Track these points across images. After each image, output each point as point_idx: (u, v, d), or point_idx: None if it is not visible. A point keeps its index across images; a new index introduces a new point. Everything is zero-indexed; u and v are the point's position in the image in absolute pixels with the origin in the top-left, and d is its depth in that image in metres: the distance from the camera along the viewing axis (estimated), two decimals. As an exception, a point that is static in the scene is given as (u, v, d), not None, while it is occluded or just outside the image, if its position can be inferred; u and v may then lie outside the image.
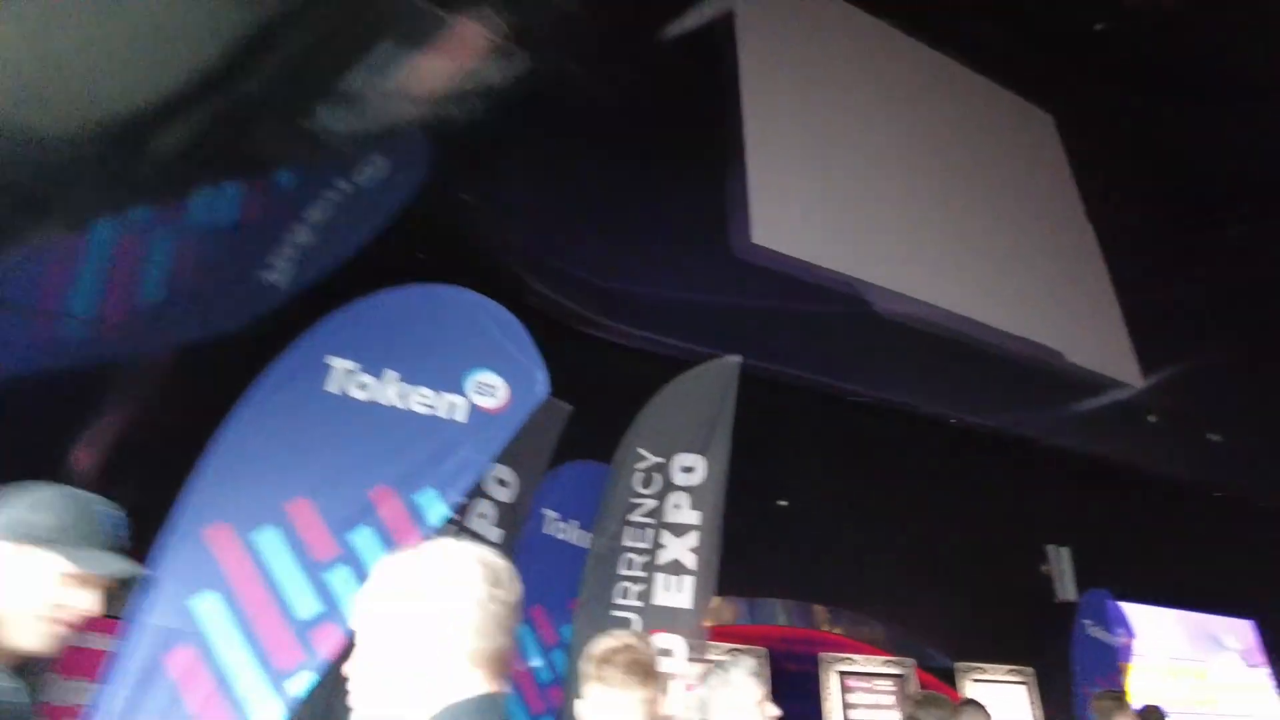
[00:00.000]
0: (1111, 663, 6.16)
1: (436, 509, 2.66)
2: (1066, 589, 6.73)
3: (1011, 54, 9.79)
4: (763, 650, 5.13)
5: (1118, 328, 8.46)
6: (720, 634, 5.12)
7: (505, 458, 4.06)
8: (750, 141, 6.94)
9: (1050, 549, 6.83)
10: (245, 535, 2.49)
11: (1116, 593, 6.50)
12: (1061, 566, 6.78)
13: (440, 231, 4.92)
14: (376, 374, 2.82)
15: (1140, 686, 6.18)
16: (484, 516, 3.86)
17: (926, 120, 8.44)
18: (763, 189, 6.77)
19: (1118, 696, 4.13)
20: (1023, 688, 6.19)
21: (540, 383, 2.90)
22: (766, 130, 7.11)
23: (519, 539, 3.97)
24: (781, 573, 5.65)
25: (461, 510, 3.79)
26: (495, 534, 3.86)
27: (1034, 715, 6.12)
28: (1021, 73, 9.69)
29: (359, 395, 2.78)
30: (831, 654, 5.34)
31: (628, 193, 6.17)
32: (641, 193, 6.24)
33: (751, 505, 5.87)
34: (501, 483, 3.99)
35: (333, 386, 2.77)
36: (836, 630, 5.65)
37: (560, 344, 5.72)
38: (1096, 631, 6.29)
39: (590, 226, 5.97)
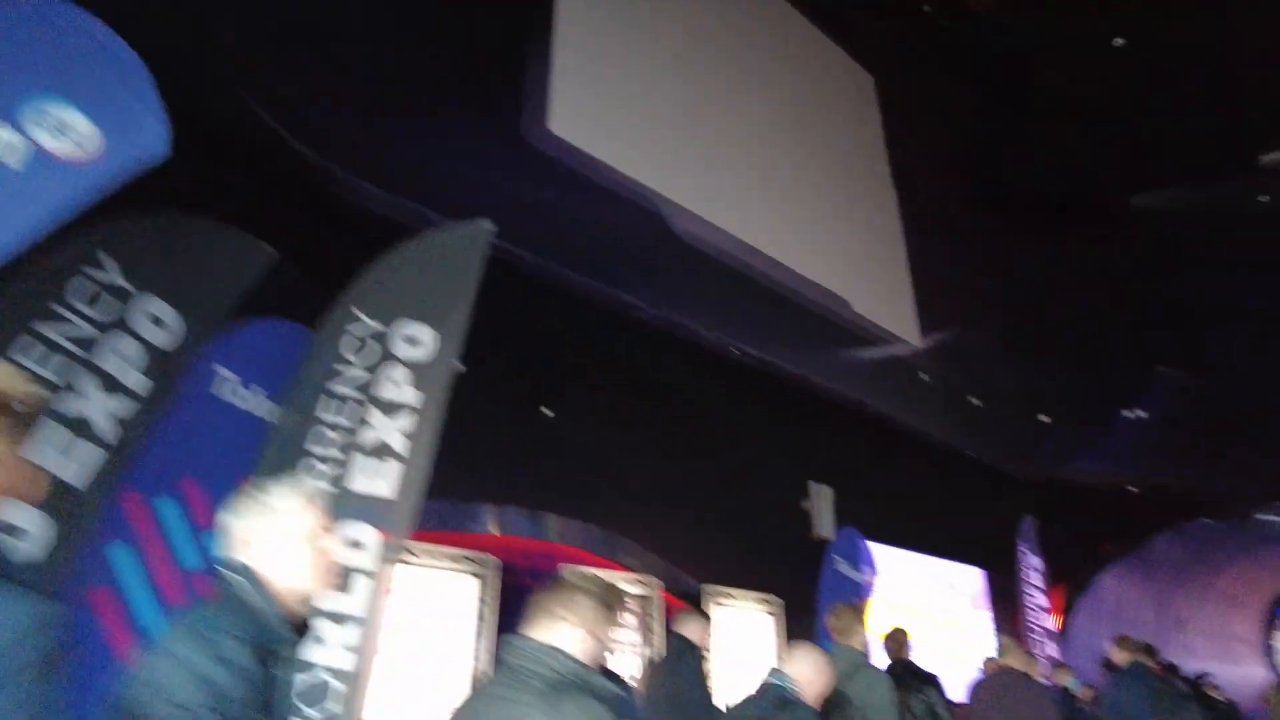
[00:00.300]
0: (855, 598, 6.29)
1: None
2: (825, 526, 6.82)
3: (842, 9, 9.84)
4: (496, 561, 4.64)
5: (904, 288, 8.74)
6: (451, 540, 4.57)
7: (166, 292, 3.25)
8: (560, 21, 6.32)
9: (813, 486, 6.89)
10: None
11: (867, 533, 6.65)
12: (822, 504, 6.85)
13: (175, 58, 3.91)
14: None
15: (879, 622, 6.36)
16: (123, 356, 3.02)
17: (750, 52, 8.21)
18: (567, 76, 6.18)
19: (858, 610, 4.02)
20: (770, 618, 6.17)
21: (153, 135, 2.15)
22: (580, 15, 6.51)
23: (174, 395, 3.17)
24: (534, 483, 5.19)
25: (88, 345, 2.93)
26: (137, 381, 3.03)
27: (778, 644, 6.12)
28: (850, 30, 9.75)
29: None
30: (572, 568, 4.96)
31: (409, 47, 5.36)
32: (426, 51, 5.44)
33: (511, 409, 5.35)
34: (156, 320, 3.15)
35: None
36: (586, 548, 5.28)
37: (293, 193, 4.87)
38: (845, 568, 6.40)
39: (357, 74, 5.11)
